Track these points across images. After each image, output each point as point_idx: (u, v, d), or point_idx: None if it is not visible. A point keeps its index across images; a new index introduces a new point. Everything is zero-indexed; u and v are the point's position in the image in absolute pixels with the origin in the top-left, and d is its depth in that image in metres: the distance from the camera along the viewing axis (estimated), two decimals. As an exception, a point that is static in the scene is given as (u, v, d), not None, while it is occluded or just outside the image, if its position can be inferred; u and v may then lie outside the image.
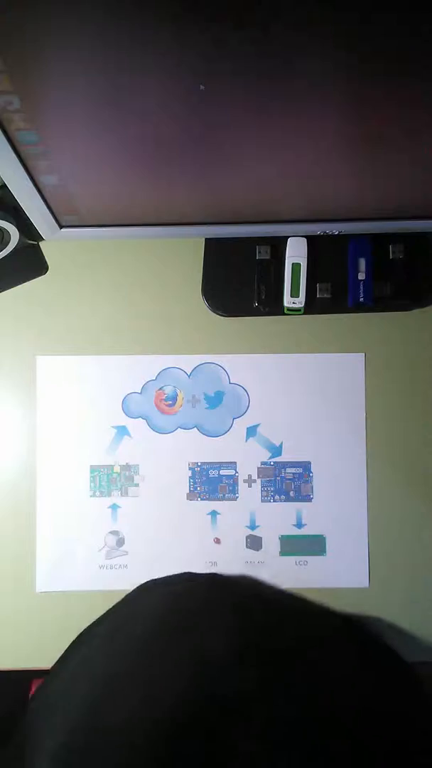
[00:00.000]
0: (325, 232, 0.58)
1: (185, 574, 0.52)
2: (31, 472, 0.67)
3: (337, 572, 0.66)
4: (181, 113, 0.40)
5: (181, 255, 0.68)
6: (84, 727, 0.32)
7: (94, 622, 0.46)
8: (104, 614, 0.50)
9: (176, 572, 0.44)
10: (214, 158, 0.46)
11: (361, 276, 0.66)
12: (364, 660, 0.36)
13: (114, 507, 0.66)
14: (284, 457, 0.67)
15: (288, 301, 0.66)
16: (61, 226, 0.54)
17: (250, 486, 0.67)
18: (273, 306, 0.67)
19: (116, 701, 0.33)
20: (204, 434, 0.67)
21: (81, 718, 0.33)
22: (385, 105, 0.40)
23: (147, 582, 0.51)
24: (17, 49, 0.34)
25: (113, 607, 0.49)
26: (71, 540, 0.66)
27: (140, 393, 0.67)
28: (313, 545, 0.66)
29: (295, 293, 0.65)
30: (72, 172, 0.47)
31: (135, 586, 0.45)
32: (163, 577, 0.49)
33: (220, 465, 0.67)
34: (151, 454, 0.67)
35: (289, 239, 0.65)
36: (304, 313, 0.67)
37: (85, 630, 0.45)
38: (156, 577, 0.44)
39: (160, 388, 0.68)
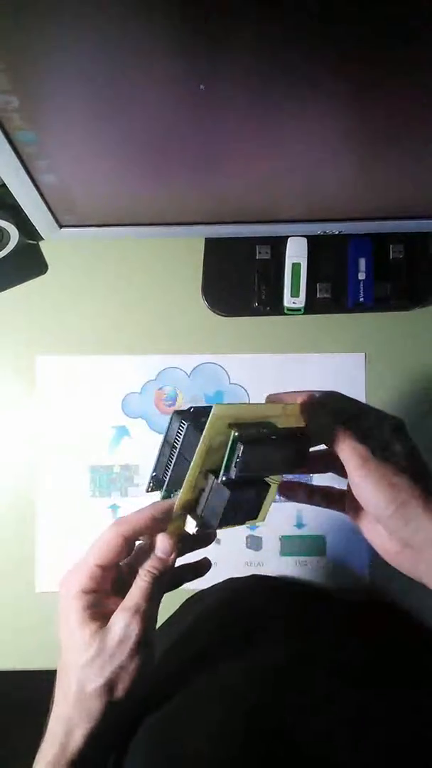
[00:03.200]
0: (325, 231, 0.57)
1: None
2: (31, 473, 0.66)
3: (338, 573, 0.66)
4: (181, 113, 0.40)
5: (181, 255, 0.68)
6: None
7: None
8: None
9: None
10: (214, 158, 0.45)
11: (362, 276, 0.66)
12: None
13: (114, 508, 0.66)
14: (284, 457, 0.67)
15: (288, 301, 0.65)
16: (60, 226, 0.54)
17: (250, 486, 0.66)
18: (273, 306, 0.66)
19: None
20: (204, 434, 0.67)
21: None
22: (386, 104, 0.39)
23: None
24: (16, 48, 0.34)
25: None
26: (71, 541, 0.66)
27: (140, 393, 0.67)
28: (314, 545, 0.66)
29: (295, 293, 0.65)
30: (71, 171, 0.46)
31: None
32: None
33: (220, 465, 0.67)
34: (151, 454, 0.66)
35: (289, 239, 0.65)
36: (304, 313, 0.66)
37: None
38: None
39: (160, 388, 0.67)
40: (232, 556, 0.66)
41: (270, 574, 0.65)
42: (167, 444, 0.39)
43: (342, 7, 0.32)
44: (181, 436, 0.38)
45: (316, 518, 0.66)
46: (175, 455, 0.39)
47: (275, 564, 0.66)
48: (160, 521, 0.39)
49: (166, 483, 0.40)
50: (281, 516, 0.66)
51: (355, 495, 0.37)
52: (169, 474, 0.39)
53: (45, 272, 0.68)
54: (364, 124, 0.41)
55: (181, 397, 0.67)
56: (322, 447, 0.39)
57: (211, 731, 0.38)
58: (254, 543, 0.66)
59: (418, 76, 0.37)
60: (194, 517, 0.39)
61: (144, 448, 0.67)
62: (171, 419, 0.39)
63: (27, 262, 0.68)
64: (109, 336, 0.68)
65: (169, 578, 0.40)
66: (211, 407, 0.36)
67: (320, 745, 0.37)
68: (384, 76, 0.37)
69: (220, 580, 0.63)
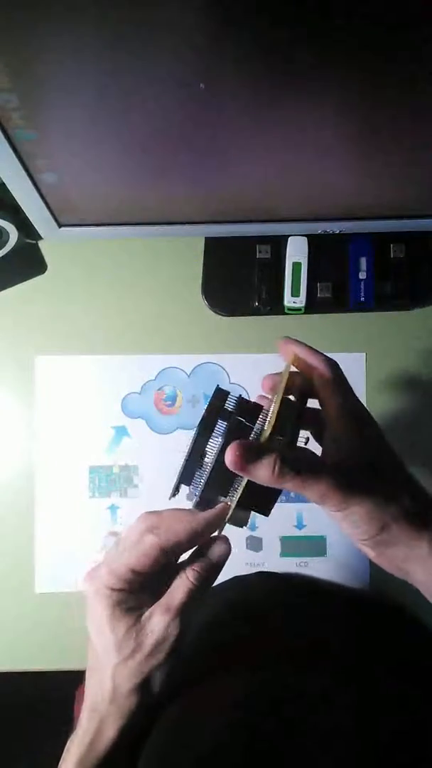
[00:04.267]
0: (325, 231, 0.57)
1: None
2: (30, 473, 0.66)
3: (338, 573, 0.65)
4: (181, 112, 0.39)
5: (181, 254, 0.68)
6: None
7: None
8: None
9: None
10: (214, 156, 0.45)
11: (362, 275, 0.66)
12: None
13: (113, 508, 0.66)
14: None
15: (288, 300, 0.65)
16: (60, 225, 0.54)
17: (250, 486, 0.66)
18: (273, 305, 0.66)
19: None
20: (204, 434, 0.66)
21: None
22: (387, 102, 0.39)
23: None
24: (16, 47, 0.33)
25: None
26: (70, 541, 0.66)
27: (140, 393, 0.67)
28: (314, 546, 0.66)
29: (295, 293, 0.65)
30: (71, 170, 0.46)
31: None
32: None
33: (220, 465, 0.66)
34: (151, 454, 0.66)
35: (289, 238, 0.65)
36: (305, 313, 0.66)
37: None
38: None
39: (160, 389, 0.67)
40: (232, 556, 0.65)
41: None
42: (197, 453, 0.39)
43: (342, 6, 0.32)
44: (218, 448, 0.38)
45: (316, 519, 0.66)
46: (211, 465, 0.38)
47: (275, 565, 0.66)
48: (201, 535, 0.38)
49: (199, 493, 0.39)
50: (281, 517, 0.66)
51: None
52: (203, 482, 0.39)
53: (44, 272, 0.68)
54: (365, 122, 0.41)
55: (181, 397, 0.67)
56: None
57: (216, 734, 0.38)
58: (254, 544, 0.66)
59: (419, 74, 0.37)
60: (245, 510, 0.39)
61: (144, 449, 0.66)
62: (199, 431, 0.39)
63: (26, 262, 0.67)
64: (108, 336, 0.68)
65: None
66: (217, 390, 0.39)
67: (325, 745, 0.37)
68: (385, 74, 0.37)
69: (224, 580, 0.63)
